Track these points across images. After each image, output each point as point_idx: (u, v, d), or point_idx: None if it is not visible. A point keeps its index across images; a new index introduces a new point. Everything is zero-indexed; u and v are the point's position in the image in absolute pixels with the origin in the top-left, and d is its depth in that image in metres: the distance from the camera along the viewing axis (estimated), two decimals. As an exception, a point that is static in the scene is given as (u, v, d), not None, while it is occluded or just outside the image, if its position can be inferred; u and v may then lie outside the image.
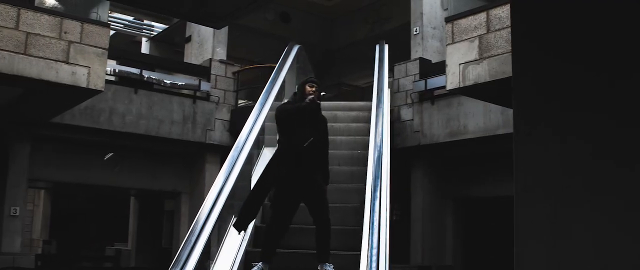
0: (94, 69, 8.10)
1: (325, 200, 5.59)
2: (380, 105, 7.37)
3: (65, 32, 7.90)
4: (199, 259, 4.80)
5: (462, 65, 7.42)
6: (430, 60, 12.32)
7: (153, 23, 16.20)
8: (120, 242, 18.41)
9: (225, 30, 13.44)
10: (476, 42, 7.30)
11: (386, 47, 9.85)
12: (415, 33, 12.64)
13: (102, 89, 8.26)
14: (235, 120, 12.72)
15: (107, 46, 8.31)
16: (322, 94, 5.71)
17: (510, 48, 6.93)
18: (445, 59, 12.43)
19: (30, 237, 20.57)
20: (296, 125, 5.50)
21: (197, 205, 12.87)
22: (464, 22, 7.50)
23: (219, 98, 12.77)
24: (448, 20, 7.86)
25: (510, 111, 10.46)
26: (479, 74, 7.18)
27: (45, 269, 14.25)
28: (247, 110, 12.46)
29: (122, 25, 16.57)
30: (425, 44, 12.49)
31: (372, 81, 8.55)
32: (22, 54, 7.59)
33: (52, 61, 7.76)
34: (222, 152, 12.83)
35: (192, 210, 13.06)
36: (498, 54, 6.98)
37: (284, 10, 15.66)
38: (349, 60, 17.42)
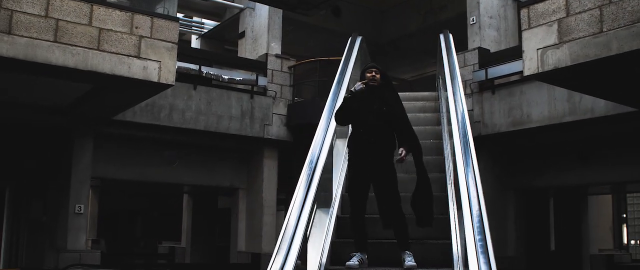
0: (165, 63, 8.11)
1: (396, 188, 5.47)
2: (456, 91, 7.23)
3: (136, 27, 7.92)
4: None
5: (540, 51, 7.25)
6: (489, 50, 12.13)
7: (204, 20, 16.26)
8: (171, 240, 18.53)
9: (279, 24, 13.42)
10: (555, 26, 7.12)
11: (451, 36, 9.70)
12: (472, 23, 12.46)
13: (173, 83, 8.28)
14: (292, 115, 12.69)
15: (176, 40, 8.33)
16: (377, 76, 5.61)
17: (593, 31, 6.76)
18: (506, 47, 12.44)
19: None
20: (358, 112, 5.49)
21: (255, 201, 12.96)
22: (540, 7, 7.31)
23: (275, 93, 12.75)
24: (523, 5, 7.68)
25: (577, 98, 10.35)
26: (559, 58, 7.00)
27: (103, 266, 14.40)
28: (305, 106, 12.53)
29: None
30: (483, 34, 12.29)
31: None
32: (95, 49, 7.64)
33: (124, 56, 7.80)
34: (280, 147, 12.82)
35: (250, 206, 13.08)
36: (580, 38, 6.80)
37: (336, 3, 15.57)
38: (399, 53, 17.28)
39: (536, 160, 11.96)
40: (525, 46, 7.55)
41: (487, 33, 12.41)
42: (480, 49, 12.01)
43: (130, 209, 21.85)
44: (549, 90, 10.48)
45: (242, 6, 14.11)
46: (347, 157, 5.78)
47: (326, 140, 6.29)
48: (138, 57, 7.91)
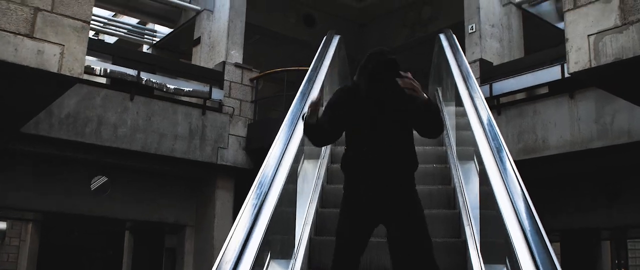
0: (70, 49, 5.85)
1: (425, 229, 3.51)
2: (475, 94, 5.12)
3: (30, -5, 5.68)
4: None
5: (593, 37, 5.16)
6: (492, 63, 10.09)
7: (157, 27, 14.03)
8: (115, 282, 16.02)
9: (241, 29, 11.27)
10: (615, 2, 5.06)
11: (454, 36, 7.63)
12: (471, 31, 10.43)
13: (80, 76, 5.99)
14: (253, 136, 10.45)
15: (89, 18, 6.09)
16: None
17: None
18: (516, 58, 10.40)
19: (16, 274, 18.29)
20: (353, 121, 3.59)
21: (205, 240, 10.56)
22: (593, -23, 5.27)
23: (233, 109, 10.52)
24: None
25: (608, 118, 8.12)
26: (623, 46, 4.92)
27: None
28: (269, 126, 10.26)
29: (124, 31, 14.44)
30: (484, 45, 10.26)
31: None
32: (-34, 22, 5.37)
33: (9, 33, 5.53)
34: (236, 175, 10.53)
35: (199, 246, 10.71)
36: (656, 15, 4.75)
37: (309, 12, 13.50)
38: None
39: (551, 195, 9.81)
40: (569, 33, 5.45)
41: (488, 44, 10.37)
42: (482, 60, 9.95)
43: (73, 245, 19.30)
44: (570, 108, 8.43)
45: (198, 8, 11.94)
46: (344, 187, 3.64)
47: (286, 159, 4.21)
48: (30, 36, 5.64)
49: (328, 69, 6.92)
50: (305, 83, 6.03)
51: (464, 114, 5.28)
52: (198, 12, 11.93)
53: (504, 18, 10.84)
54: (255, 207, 3.28)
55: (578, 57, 5.27)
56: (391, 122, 3.48)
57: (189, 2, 12.27)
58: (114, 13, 14.80)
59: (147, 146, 9.44)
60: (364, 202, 3.46)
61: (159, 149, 9.54)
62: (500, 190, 3.42)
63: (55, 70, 5.74)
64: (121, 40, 14.73)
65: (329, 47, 7.64)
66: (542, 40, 11.46)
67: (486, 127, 4.35)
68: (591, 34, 5.18)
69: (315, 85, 6.08)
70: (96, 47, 9.42)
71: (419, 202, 3.56)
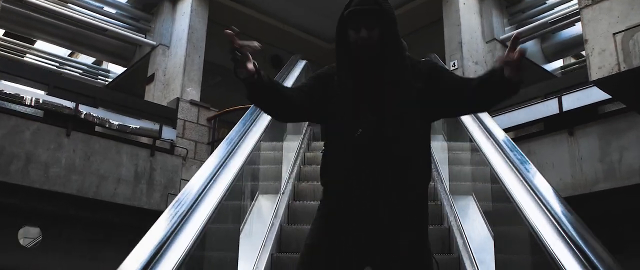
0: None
1: None
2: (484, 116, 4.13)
3: None
4: None
5: (620, 35, 4.12)
6: (477, 101, 9.07)
7: (110, 66, 12.88)
8: None
9: (199, 66, 10.21)
10: (645, -10, 4.06)
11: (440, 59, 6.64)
12: (453, 67, 9.48)
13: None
14: (208, 182, 9.20)
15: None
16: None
17: None
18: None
19: None
20: (338, 106, 2.43)
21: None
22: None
23: (187, 151, 9.33)
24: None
25: (615, 156, 7.09)
26: (659, 42, 3.89)
27: None
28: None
29: (80, 71, 13.26)
30: (467, 83, 9.26)
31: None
32: None
33: None
34: (189, 225, 9.20)
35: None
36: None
37: (276, 53, 12.49)
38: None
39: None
40: (589, 33, 4.42)
41: (472, 83, 9.37)
42: (466, 98, 8.93)
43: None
44: (570, 146, 7.40)
45: (154, 43, 10.85)
46: (321, 208, 2.49)
47: (226, 174, 3.09)
48: None
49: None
50: None
51: (460, 149, 4.74)
52: (153, 48, 10.86)
53: (488, 55, 9.92)
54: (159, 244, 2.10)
55: (602, 61, 4.22)
56: (395, 104, 2.35)
57: (144, 37, 11.20)
58: (70, 52, 13.72)
59: (84, 189, 8.15)
60: (348, 233, 2.30)
61: (99, 193, 8.26)
62: (536, 215, 2.35)
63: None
64: (75, 81, 13.53)
65: (292, 69, 6.59)
66: (528, 84, 10.52)
67: (503, 143, 3.36)
68: (618, 32, 4.14)
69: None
70: (28, 74, 8.24)
71: (427, 240, 2.44)
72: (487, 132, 3.99)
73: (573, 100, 7.43)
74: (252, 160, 4.11)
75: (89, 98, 8.68)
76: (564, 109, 7.44)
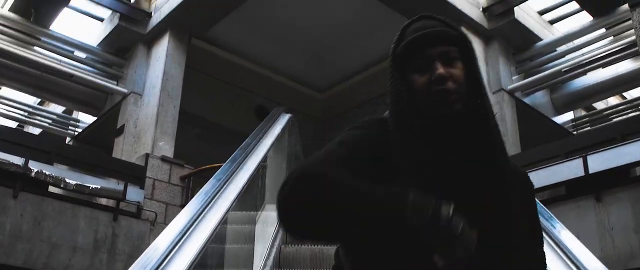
0: None
1: None
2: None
3: None
4: None
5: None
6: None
7: (80, 116, 11.80)
8: None
9: (174, 117, 9.19)
10: None
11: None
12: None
13: None
14: (180, 249, 8.06)
15: None
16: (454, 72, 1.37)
17: None
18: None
19: None
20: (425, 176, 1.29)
21: None
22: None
23: (156, 215, 8.20)
24: None
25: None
26: None
27: None
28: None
29: (50, 121, 12.18)
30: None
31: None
32: None
33: None
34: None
35: None
36: None
37: (261, 103, 11.48)
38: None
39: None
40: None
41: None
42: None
43: None
44: (598, 215, 6.37)
45: (125, 91, 9.84)
46: None
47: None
48: None
49: (272, 148, 4.81)
50: (238, 152, 3.98)
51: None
52: (124, 96, 9.84)
53: (496, 107, 8.94)
54: None
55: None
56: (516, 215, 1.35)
57: (116, 84, 10.18)
58: (39, 100, 12.70)
59: (32, 260, 6.99)
60: None
61: (49, 264, 7.09)
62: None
63: None
64: (47, 132, 12.45)
65: (274, 122, 5.57)
66: (537, 137, 9.53)
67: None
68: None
69: (250, 160, 3.96)
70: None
71: None
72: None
73: (600, 161, 6.42)
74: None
75: (43, 153, 7.60)
76: (590, 171, 6.41)
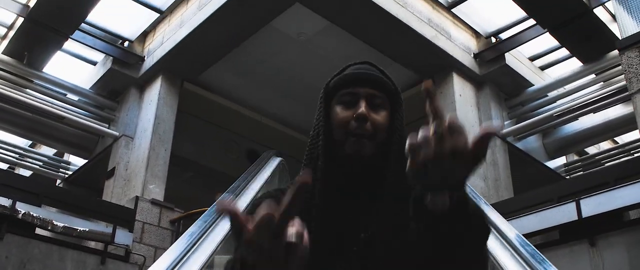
0: None
1: None
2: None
3: None
4: None
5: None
6: (478, 203, 8.00)
7: (71, 158, 11.71)
8: None
9: (165, 161, 9.15)
10: None
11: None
12: (449, 165, 8.42)
13: None
14: (169, 295, 7.91)
15: None
16: (376, 118, 1.43)
17: None
18: (497, 201, 8.41)
19: None
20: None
21: None
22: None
23: (144, 259, 8.08)
24: None
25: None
26: None
27: None
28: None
29: (40, 163, 12.07)
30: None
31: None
32: None
33: None
34: None
35: None
36: None
37: (253, 147, 11.47)
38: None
39: None
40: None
41: (470, 183, 8.31)
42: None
43: None
44: (593, 260, 6.30)
45: (116, 134, 9.80)
46: None
47: None
48: None
49: (261, 191, 4.76)
50: (226, 194, 3.93)
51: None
52: (116, 139, 9.79)
53: (488, 152, 8.90)
54: None
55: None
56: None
57: (108, 127, 10.14)
58: (31, 143, 12.63)
59: (17, 305, 6.85)
60: None
61: (34, 309, 6.95)
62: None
63: None
64: (38, 175, 12.33)
65: (264, 166, 5.53)
66: (530, 182, 9.50)
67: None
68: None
69: (238, 203, 3.91)
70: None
71: None
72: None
73: (593, 205, 6.37)
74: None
75: (32, 195, 7.51)
76: (583, 215, 6.36)
